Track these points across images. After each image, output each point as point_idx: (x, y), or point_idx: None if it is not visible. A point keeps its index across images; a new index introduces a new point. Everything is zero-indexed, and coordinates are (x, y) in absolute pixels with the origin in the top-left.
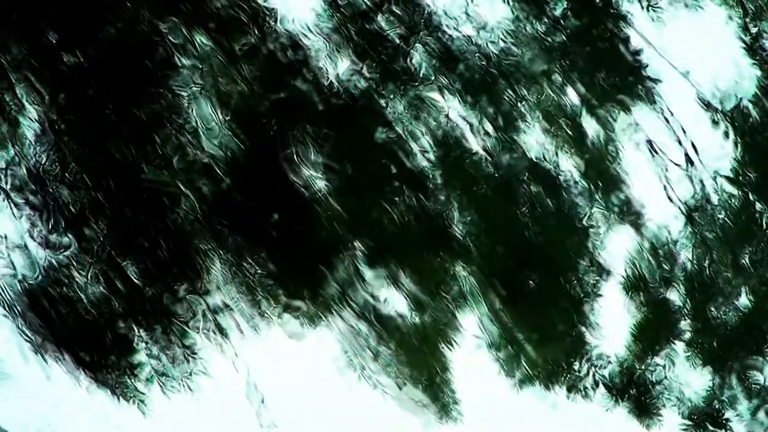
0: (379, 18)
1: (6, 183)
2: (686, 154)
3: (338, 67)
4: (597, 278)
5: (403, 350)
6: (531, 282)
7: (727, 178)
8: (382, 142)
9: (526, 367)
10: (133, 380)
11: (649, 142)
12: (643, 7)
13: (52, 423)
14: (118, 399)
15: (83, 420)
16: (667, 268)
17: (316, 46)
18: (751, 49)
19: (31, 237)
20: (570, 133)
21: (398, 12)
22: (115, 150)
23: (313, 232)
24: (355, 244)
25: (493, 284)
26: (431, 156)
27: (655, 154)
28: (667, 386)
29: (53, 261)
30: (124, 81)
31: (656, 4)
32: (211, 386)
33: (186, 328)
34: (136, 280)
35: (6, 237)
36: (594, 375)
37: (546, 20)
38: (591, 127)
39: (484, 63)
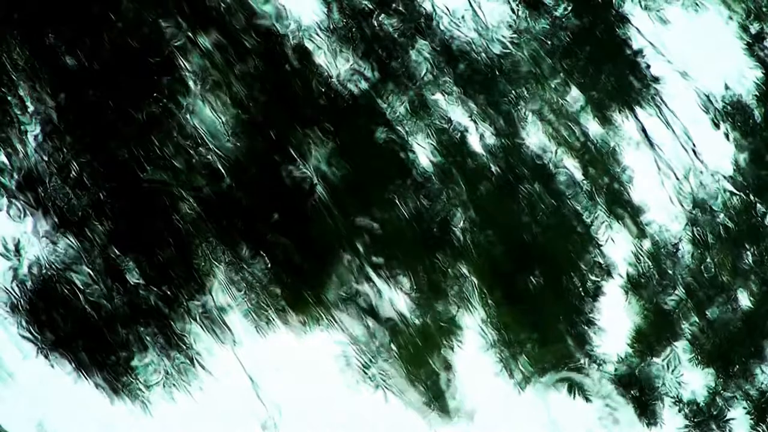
0: (380, 18)
1: (9, 183)
2: (687, 155)
3: (339, 67)
4: (598, 278)
5: (404, 350)
6: (532, 282)
7: (728, 178)
8: (383, 142)
9: (527, 367)
10: (133, 380)
11: (650, 142)
12: (643, 8)
13: (52, 423)
14: (119, 399)
15: (83, 420)
16: (667, 268)
17: (317, 47)
18: (751, 49)
19: (34, 237)
20: (571, 133)
21: (399, 12)
22: (117, 150)
23: (314, 232)
24: (356, 244)
25: (495, 284)
26: (432, 156)
27: (655, 154)
28: (668, 386)
29: (55, 261)
30: (126, 82)
31: (657, 4)
32: (212, 386)
33: (186, 328)
34: (136, 280)
35: (8, 237)
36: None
37: (547, 20)
38: (592, 127)
39: (485, 63)
